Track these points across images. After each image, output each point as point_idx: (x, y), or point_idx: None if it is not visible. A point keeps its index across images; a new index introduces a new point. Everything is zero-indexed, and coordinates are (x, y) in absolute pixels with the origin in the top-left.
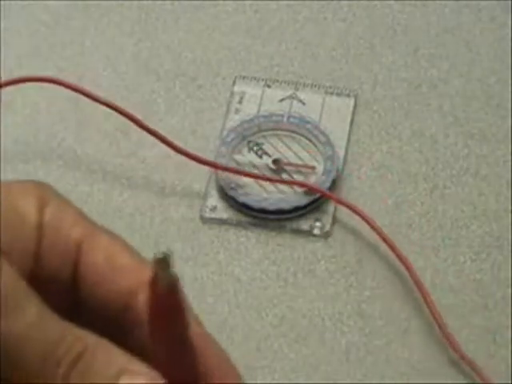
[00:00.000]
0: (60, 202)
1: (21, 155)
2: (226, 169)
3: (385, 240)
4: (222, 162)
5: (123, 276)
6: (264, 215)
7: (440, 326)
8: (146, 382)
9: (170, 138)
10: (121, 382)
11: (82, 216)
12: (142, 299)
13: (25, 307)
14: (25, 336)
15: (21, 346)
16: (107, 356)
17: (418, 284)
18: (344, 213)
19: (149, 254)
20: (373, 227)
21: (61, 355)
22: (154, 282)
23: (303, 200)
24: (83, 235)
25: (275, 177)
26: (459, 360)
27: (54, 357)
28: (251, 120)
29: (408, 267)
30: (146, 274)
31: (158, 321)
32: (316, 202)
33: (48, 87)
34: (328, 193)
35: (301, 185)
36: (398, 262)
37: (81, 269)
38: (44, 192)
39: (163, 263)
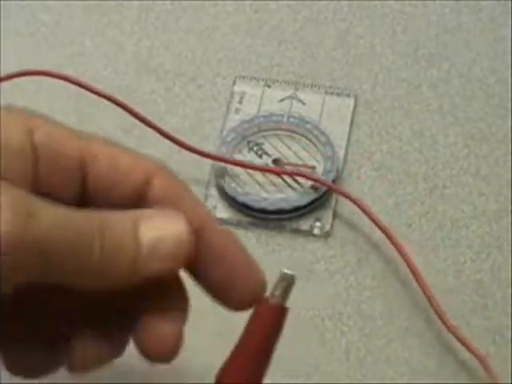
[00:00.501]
0: (49, 123)
1: None
2: (227, 161)
3: (388, 236)
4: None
5: (130, 175)
6: (264, 215)
7: (445, 324)
8: (168, 221)
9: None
10: (141, 227)
11: (73, 132)
12: (156, 183)
13: (41, 209)
14: (53, 234)
15: (52, 243)
16: (118, 218)
17: (420, 281)
18: (344, 213)
19: None
20: (376, 223)
21: (88, 242)
22: (280, 306)
23: (303, 200)
24: (81, 150)
25: (278, 168)
26: (460, 359)
27: (83, 246)
28: (251, 120)
29: (411, 267)
30: (149, 165)
31: (269, 336)
32: (316, 202)
33: (48, 84)
34: (333, 186)
35: (305, 177)
36: (398, 262)
37: (89, 180)
38: (30, 116)
39: (291, 284)
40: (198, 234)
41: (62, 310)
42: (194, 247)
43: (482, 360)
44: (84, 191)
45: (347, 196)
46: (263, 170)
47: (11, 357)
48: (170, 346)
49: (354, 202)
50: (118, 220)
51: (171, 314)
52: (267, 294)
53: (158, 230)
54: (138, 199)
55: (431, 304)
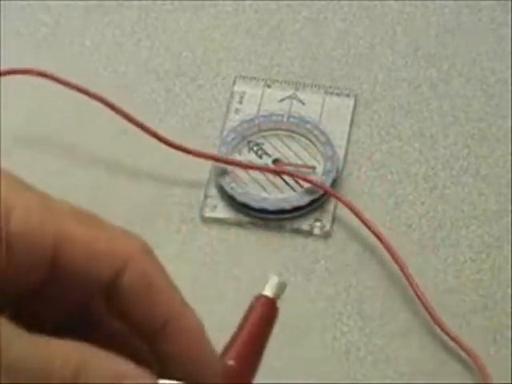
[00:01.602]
0: (25, 197)
1: (19, 150)
2: (227, 161)
3: (381, 240)
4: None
5: (106, 261)
6: (264, 215)
7: (437, 323)
8: None
9: (170, 137)
10: None
11: (49, 209)
12: (131, 270)
13: (9, 343)
14: (16, 372)
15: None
16: (99, 367)
17: (413, 286)
18: (344, 213)
19: None
20: (370, 228)
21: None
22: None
23: (303, 200)
24: (56, 234)
25: (279, 167)
26: (459, 359)
27: None
28: (251, 120)
29: (403, 269)
30: (127, 249)
31: (261, 327)
32: (316, 202)
33: (47, 85)
34: (330, 190)
35: (304, 180)
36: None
37: (61, 265)
38: (8, 191)
39: (282, 289)
40: (165, 325)
41: None
42: None
43: (475, 359)
44: (53, 275)
45: (343, 201)
46: (262, 169)
47: None
48: None
49: (346, 204)
50: (97, 371)
51: None
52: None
53: None
54: (110, 284)
55: (423, 304)
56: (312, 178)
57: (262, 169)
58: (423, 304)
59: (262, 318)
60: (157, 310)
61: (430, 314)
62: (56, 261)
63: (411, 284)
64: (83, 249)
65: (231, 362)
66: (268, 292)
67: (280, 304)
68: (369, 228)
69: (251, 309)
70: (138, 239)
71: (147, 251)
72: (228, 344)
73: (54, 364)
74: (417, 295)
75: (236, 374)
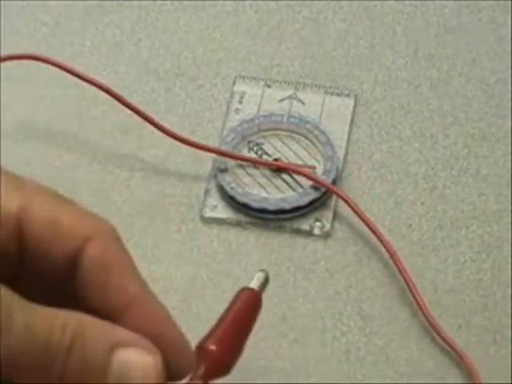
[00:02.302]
0: None
1: (20, 142)
2: (228, 155)
3: (381, 241)
4: (223, 161)
5: (69, 237)
6: (264, 215)
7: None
8: (141, 354)
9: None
10: (115, 358)
11: (13, 185)
12: (92, 248)
13: (11, 314)
14: (16, 347)
15: (15, 356)
16: (96, 334)
17: (409, 286)
18: (344, 213)
19: (148, 252)
20: (369, 226)
21: (53, 352)
22: (258, 293)
23: (303, 200)
24: (19, 207)
25: (280, 163)
26: (458, 360)
27: (47, 357)
28: (251, 120)
29: (400, 270)
30: (90, 227)
31: (248, 314)
32: (316, 202)
33: (49, 88)
34: (332, 187)
35: (307, 177)
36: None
37: (25, 239)
38: None
39: (266, 281)
40: (127, 307)
41: None
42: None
43: (462, 358)
44: (21, 251)
45: (342, 197)
46: (264, 163)
47: None
48: None
49: (349, 203)
50: (94, 336)
51: None
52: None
53: (129, 362)
54: (73, 261)
55: (417, 304)
56: (313, 175)
57: (265, 163)
58: (417, 304)
59: (245, 307)
60: (112, 293)
61: (423, 314)
62: (22, 235)
63: (408, 284)
64: (46, 223)
65: (212, 347)
66: (253, 285)
67: (280, 304)
68: (369, 227)
69: (235, 299)
70: (107, 224)
71: (112, 235)
72: (210, 331)
73: (53, 330)
74: (413, 295)
75: (216, 357)
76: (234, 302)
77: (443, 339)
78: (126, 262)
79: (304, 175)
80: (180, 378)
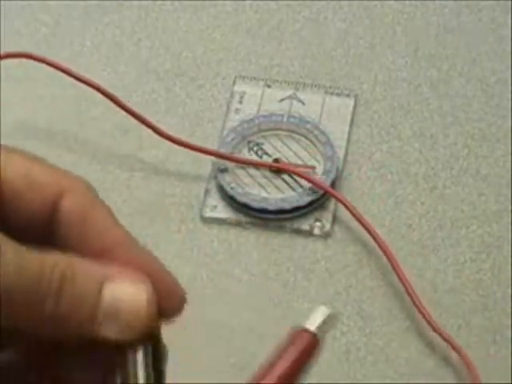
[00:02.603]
0: None
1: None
2: (229, 158)
3: (378, 243)
4: (222, 161)
5: (44, 189)
6: (264, 215)
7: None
8: (130, 285)
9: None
10: (105, 291)
11: None
12: (68, 199)
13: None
14: (7, 283)
15: (8, 292)
16: (85, 271)
17: (406, 286)
18: (344, 213)
19: None
20: (366, 228)
21: (44, 291)
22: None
23: (303, 200)
24: None
25: (279, 165)
26: (458, 358)
27: (39, 295)
28: (251, 120)
29: (397, 270)
30: (65, 180)
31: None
32: (316, 202)
33: (48, 89)
34: (330, 190)
35: (306, 179)
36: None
37: (2, 197)
38: None
39: (332, 323)
40: (109, 254)
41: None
42: (153, 320)
43: (462, 358)
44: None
45: (338, 198)
46: (264, 165)
47: None
48: None
49: (347, 206)
50: (83, 273)
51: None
52: (305, 325)
53: (119, 292)
54: (50, 215)
55: (414, 303)
56: (312, 177)
57: (265, 165)
58: (414, 303)
59: (299, 352)
60: (94, 241)
61: (422, 313)
62: None
63: (404, 284)
64: (21, 178)
65: None
66: (311, 325)
67: (280, 304)
68: (367, 230)
69: (290, 342)
70: (83, 179)
71: (88, 188)
72: (263, 371)
73: (43, 269)
74: (409, 295)
75: None
76: (285, 345)
77: (443, 339)
78: (105, 211)
79: (303, 177)
80: (171, 317)
